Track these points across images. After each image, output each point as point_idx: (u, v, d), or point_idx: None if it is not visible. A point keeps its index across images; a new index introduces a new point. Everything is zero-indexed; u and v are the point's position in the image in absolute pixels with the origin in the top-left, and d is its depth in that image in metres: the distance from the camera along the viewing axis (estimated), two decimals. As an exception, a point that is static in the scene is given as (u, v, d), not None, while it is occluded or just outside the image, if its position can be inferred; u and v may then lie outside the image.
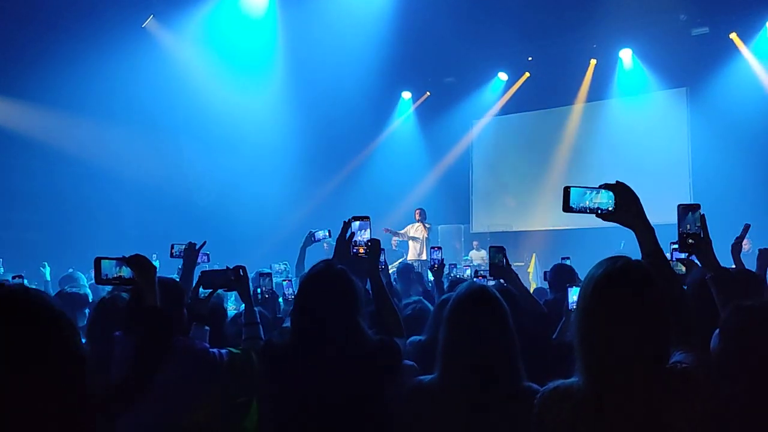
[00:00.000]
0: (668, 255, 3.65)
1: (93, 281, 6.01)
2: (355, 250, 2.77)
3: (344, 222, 2.84)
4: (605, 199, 2.00)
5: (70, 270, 6.02)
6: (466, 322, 2.07)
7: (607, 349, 1.58)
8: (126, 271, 2.16)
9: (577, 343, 1.65)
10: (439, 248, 4.49)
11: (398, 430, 2.24)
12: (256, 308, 2.90)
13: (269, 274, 4.02)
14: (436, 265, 4.33)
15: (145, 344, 1.95)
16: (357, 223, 2.80)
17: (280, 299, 3.99)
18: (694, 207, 2.41)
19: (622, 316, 1.58)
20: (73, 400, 1.47)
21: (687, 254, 2.46)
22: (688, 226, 2.39)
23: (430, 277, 6.33)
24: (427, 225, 11.07)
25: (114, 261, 2.19)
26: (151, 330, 1.98)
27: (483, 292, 2.17)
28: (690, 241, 2.39)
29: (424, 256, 10.60)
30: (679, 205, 2.43)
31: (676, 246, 3.75)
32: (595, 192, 1.99)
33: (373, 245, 2.75)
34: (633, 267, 1.65)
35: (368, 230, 2.80)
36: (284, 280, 4.05)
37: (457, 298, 2.19)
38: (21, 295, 1.49)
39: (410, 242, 11.10)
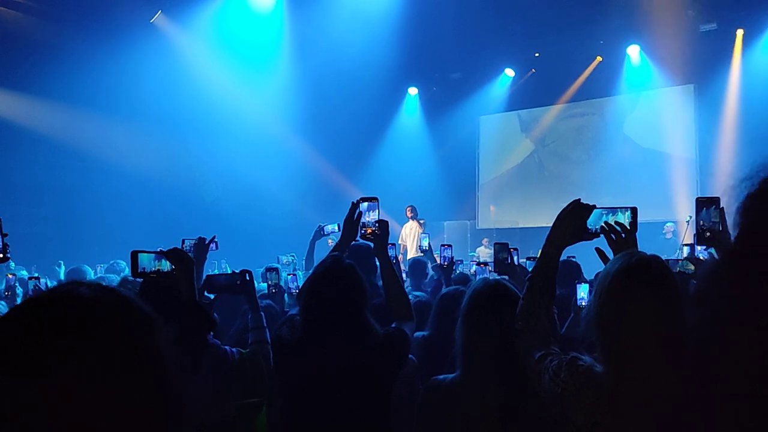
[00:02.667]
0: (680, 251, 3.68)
1: (100, 276, 6.09)
2: (363, 232, 2.74)
3: (352, 203, 2.80)
4: (622, 220, 2.01)
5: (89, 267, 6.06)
6: (485, 321, 2.02)
7: (627, 344, 1.60)
8: (165, 265, 2.18)
9: (597, 337, 1.66)
10: (450, 246, 4.45)
11: (415, 430, 2.23)
12: (266, 301, 2.90)
13: (276, 269, 4.05)
14: (446, 264, 4.33)
15: (185, 338, 1.95)
16: (365, 204, 2.75)
17: (285, 294, 4.01)
18: (711, 200, 2.41)
19: (639, 310, 1.59)
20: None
21: (705, 247, 2.46)
22: (702, 222, 2.39)
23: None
24: (420, 221, 10.95)
25: (153, 255, 2.21)
26: (192, 323, 1.98)
27: (501, 288, 2.13)
28: (707, 234, 2.38)
29: (420, 253, 10.47)
30: (697, 199, 2.44)
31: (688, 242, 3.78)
32: (611, 213, 2.00)
33: (382, 226, 2.72)
34: (650, 261, 1.66)
35: (377, 211, 2.74)
36: (289, 275, 4.07)
37: (474, 295, 2.14)
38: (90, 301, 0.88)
39: (408, 241, 10.98)
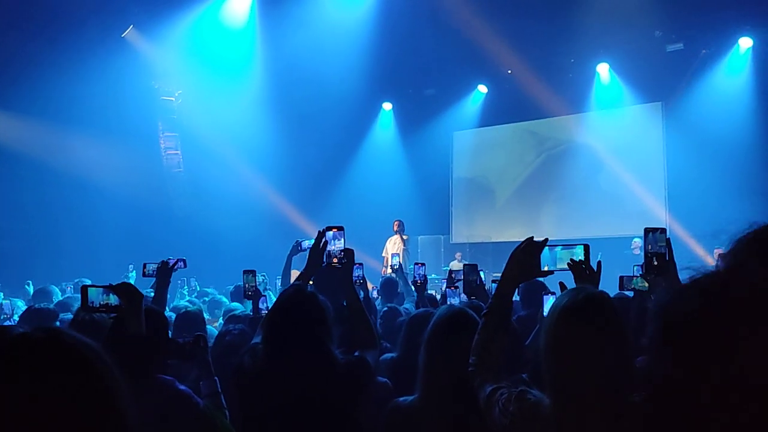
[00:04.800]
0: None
1: (67, 295, 6.00)
2: (328, 260, 2.77)
3: (318, 232, 2.83)
4: (576, 256, 2.09)
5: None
6: (446, 347, 2.07)
7: (571, 379, 1.63)
8: (113, 299, 2.18)
9: (544, 369, 1.70)
10: (423, 264, 4.54)
11: None
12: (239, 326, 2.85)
13: (253, 272, 4.08)
14: (419, 281, 4.39)
15: (126, 372, 1.90)
16: (331, 232, 2.79)
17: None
18: (658, 230, 2.50)
19: (584, 346, 1.62)
20: None
21: (653, 275, 2.56)
22: (650, 246, 2.48)
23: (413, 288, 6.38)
24: (404, 236, 11.15)
25: (101, 289, 2.21)
26: (135, 358, 1.94)
27: (463, 317, 2.19)
28: (655, 263, 2.48)
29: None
30: (645, 229, 2.53)
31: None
32: (564, 249, 2.08)
33: (347, 255, 2.75)
34: (595, 298, 1.70)
35: (342, 240, 2.78)
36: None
37: (437, 322, 2.20)
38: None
39: (389, 255, 11.10)
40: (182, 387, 2.39)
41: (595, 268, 2.25)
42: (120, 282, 2.20)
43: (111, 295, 2.20)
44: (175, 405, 2.28)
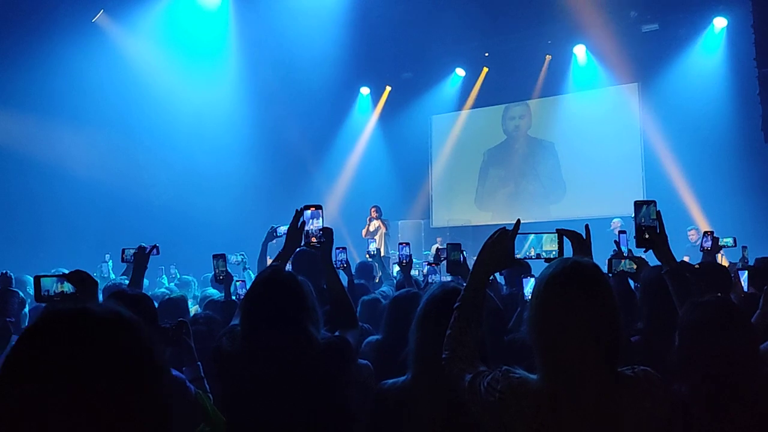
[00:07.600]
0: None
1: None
2: (306, 240, 2.72)
3: (296, 210, 2.77)
4: (549, 243, 2.11)
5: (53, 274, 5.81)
6: (440, 325, 2.00)
7: (561, 348, 1.60)
8: (68, 287, 2.14)
9: (533, 341, 1.66)
10: (407, 244, 4.51)
11: None
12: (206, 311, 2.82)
13: (223, 255, 4.09)
14: (404, 261, 4.38)
15: None
16: (309, 211, 2.74)
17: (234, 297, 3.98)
18: (649, 202, 2.49)
19: (574, 314, 1.59)
20: None
21: (644, 249, 2.55)
22: (643, 219, 2.47)
23: (395, 272, 6.38)
24: (384, 221, 11.18)
25: (55, 278, 2.17)
26: None
27: (456, 294, 2.10)
28: (646, 236, 2.46)
29: (383, 252, 10.64)
30: (635, 202, 2.52)
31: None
32: (536, 238, 2.10)
33: (326, 234, 2.70)
34: (583, 266, 1.66)
35: (320, 219, 2.73)
36: (238, 281, 4.03)
37: (430, 299, 2.15)
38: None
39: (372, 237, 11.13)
40: (176, 373, 2.38)
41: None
42: (72, 270, 2.15)
43: (65, 283, 2.16)
44: (172, 391, 2.25)
